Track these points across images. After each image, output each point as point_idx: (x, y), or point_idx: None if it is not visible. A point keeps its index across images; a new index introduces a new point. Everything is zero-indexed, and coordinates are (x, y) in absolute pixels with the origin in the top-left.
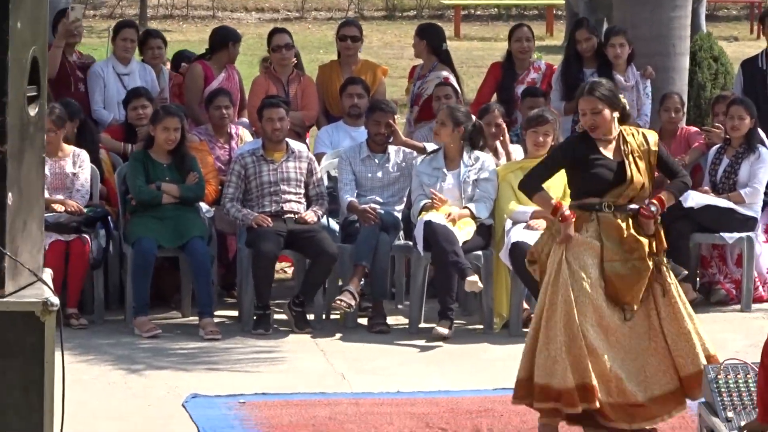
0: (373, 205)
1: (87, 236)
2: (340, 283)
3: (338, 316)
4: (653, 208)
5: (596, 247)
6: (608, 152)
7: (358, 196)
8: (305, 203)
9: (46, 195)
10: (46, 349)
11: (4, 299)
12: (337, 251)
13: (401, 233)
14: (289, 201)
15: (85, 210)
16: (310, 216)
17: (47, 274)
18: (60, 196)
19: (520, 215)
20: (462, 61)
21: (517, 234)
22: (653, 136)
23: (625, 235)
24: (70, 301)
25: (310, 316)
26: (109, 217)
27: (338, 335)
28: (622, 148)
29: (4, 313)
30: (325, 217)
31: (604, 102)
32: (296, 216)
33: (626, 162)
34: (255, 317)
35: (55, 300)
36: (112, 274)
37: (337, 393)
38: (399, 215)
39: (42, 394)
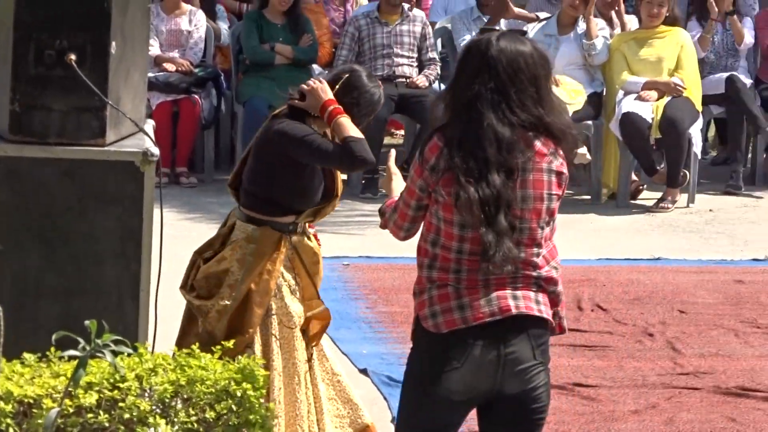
0: None
1: (197, 96)
2: None
3: None
4: None
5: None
6: None
7: None
8: (417, 68)
9: (160, 52)
10: (145, 199)
11: (105, 148)
12: None
13: None
14: (401, 65)
15: (195, 70)
16: (421, 80)
17: (149, 125)
18: (175, 54)
19: (631, 85)
20: None
21: (628, 104)
22: None
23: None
24: (180, 159)
25: None
26: (221, 77)
27: None
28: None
29: (105, 162)
30: (436, 82)
31: None
32: (407, 80)
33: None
34: (363, 181)
35: (155, 150)
36: (222, 134)
37: None
38: None
39: (140, 243)
